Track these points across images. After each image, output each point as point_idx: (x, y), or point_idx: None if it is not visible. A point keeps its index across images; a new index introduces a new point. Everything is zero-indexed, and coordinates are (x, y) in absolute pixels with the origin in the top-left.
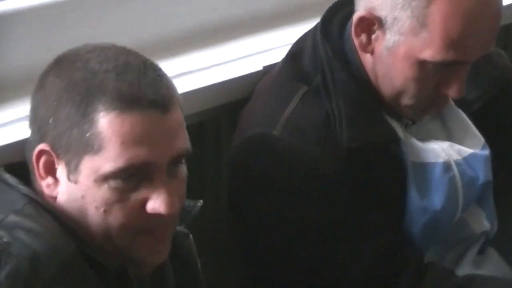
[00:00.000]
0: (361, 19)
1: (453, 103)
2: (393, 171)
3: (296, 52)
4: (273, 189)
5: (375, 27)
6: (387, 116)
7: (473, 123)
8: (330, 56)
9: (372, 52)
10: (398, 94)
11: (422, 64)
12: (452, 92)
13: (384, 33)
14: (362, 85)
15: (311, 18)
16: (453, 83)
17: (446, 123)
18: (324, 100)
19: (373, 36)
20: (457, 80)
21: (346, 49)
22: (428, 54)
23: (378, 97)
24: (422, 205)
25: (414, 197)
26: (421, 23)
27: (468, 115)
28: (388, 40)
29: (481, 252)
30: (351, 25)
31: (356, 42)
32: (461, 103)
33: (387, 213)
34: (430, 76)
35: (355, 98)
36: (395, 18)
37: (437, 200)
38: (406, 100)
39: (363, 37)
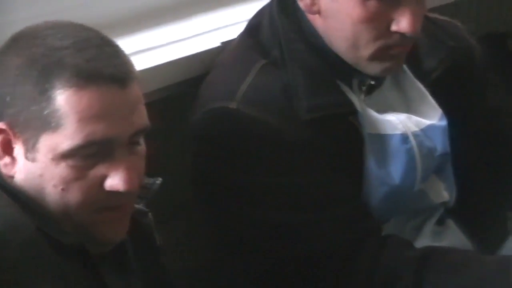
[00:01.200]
0: None
1: (411, 74)
2: (351, 142)
3: (253, 26)
4: (235, 159)
5: None
6: (345, 87)
7: (430, 94)
8: (286, 29)
9: (319, 12)
10: (354, 47)
11: (364, 0)
12: (404, 26)
13: None
14: (320, 54)
15: None
16: (403, 18)
17: (404, 94)
18: (282, 72)
19: None
20: (406, 14)
21: (301, 20)
22: None
23: (337, 64)
24: (380, 177)
25: (372, 168)
26: None
27: (426, 86)
28: None
29: (440, 222)
30: None
31: (302, 6)
32: (419, 73)
33: (346, 184)
34: (377, 14)
35: (312, 70)
36: None
37: (395, 171)
38: (363, 51)
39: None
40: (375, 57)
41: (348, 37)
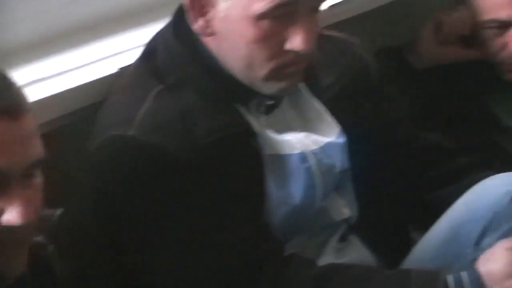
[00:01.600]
0: (192, 1)
1: (308, 92)
2: (250, 164)
3: (149, 51)
4: (134, 187)
5: (206, 4)
6: (243, 109)
7: (328, 111)
8: (181, 53)
9: (213, 34)
10: (249, 67)
11: (257, 20)
12: (297, 44)
13: (215, 6)
14: (216, 77)
15: (163, 17)
16: (296, 36)
17: (302, 112)
18: (179, 97)
19: (209, 16)
20: (300, 32)
21: (196, 43)
22: (258, 5)
23: (234, 86)
24: (280, 197)
25: (272, 189)
26: None
27: (323, 103)
28: (221, 11)
29: (343, 239)
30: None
31: (196, 28)
32: (316, 91)
33: (246, 206)
34: (270, 33)
35: (209, 93)
36: None
37: (295, 191)
38: (258, 71)
39: (201, 21)
40: (271, 76)
41: (242, 58)
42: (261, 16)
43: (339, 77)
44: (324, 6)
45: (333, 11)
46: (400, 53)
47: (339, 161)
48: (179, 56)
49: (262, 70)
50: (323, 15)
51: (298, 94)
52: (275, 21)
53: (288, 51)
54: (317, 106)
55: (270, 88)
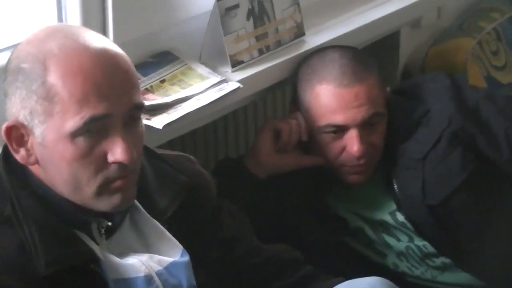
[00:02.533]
0: (8, 130)
1: (146, 214)
2: None
3: None
4: None
5: (25, 134)
6: (84, 235)
7: (168, 231)
8: (14, 186)
9: (37, 162)
10: (76, 188)
11: (72, 138)
12: (118, 155)
13: (32, 133)
14: (51, 206)
15: None
16: (115, 147)
17: (143, 233)
18: (17, 230)
19: (29, 145)
20: (118, 142)
21: (26, 174)
22: (69, 124)
23: (71, 213)
24: None
25: None
26: (49, 99)
27: (162, 224)
28: (38, 137)
29: None
30: None
31: (19, 159)
32: (153, 212)
33: None
34: (88, 148)
35: (46, 223)
36: (30, 112)
37: None
38: (86, 190)
39: (22, 151)
40: (100, 193)
41: (68, 180)
42: (74, 134)
43: (174, 197)
44: (157, 126)
45: (166, 130)
46: (241, 163)
47: (185, 279)
48: (12, 189)
49: (90, 187)
50: (157, 135)
51: (137, 216)
52: (91, 137)
53: (112, 164)
54: (157, 226)
55: (103, 205)
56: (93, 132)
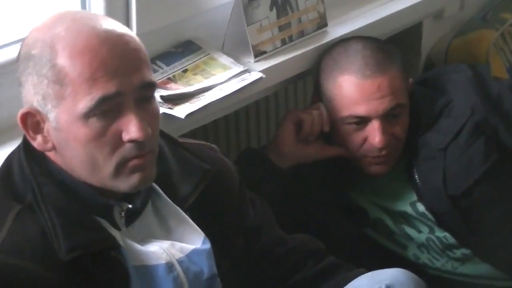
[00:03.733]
0: (23, 117)
1: (169, 200)
2: (115, 277)
3: (4, 172)
4: None
5: (41, 120)
6: (105, 222)
7: (191, 218)
8: (35, 173)
9: (54, 148)
10: (94, 169)
11: (85, 120)
12: (133, 133)
13: (47, 119)
14: (71, 192)
15: (14, 139)
16: (130, 125)
17: (165, 221)
18: (38, 216)
19: (45, 131)
20: (132, 120)
21: (46, 161)
22: (81, 105)
23: (92, 199)
24: None
25: None
26: (60, 82)
27: (185, 211)
28: (52, 122)
29: None
30: None
31: (36, 146)
32: (175, 199)
33: None
34: (101, 129)
35: (67, 210)
36: (43, 97)
37: None
38: (104, 170)
39: (39, 138)
40: (118, 172)
41: (84, 161)
42: (87, 115)
43: (197, 184)
44: (180, 115)
45: (188, 120)
46: (263, 153)
47: (207, 267)
48: (33, 176)
49: (107, 168)
50: (179, 125)
51: (160, 203)
52: (104, 117)
53: (127, 143)
54: (180, 213)
55: (122, 185)
56: (106, 112)
